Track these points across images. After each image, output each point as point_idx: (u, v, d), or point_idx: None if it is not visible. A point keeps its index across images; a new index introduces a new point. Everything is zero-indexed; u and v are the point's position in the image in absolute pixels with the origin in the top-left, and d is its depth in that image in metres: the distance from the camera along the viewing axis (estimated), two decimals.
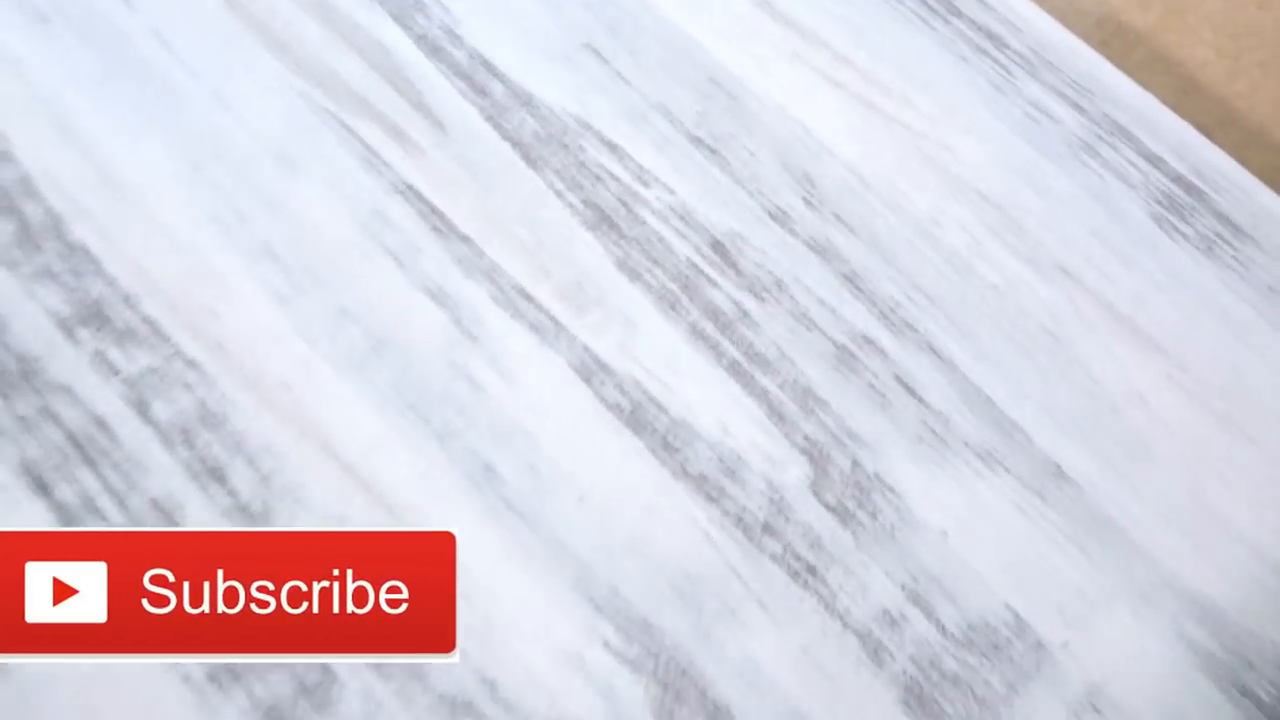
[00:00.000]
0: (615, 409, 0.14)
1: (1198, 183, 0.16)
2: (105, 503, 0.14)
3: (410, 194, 0.15)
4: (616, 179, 0.15)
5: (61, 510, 0.14)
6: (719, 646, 0.14)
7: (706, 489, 0.14)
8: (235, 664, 0.13)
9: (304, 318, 0.15)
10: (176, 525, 0.14)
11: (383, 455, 0.14)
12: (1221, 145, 0.18)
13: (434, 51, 0.16)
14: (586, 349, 0.15)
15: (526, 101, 0.16)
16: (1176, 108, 0.19)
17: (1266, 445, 0.14)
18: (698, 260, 0.15)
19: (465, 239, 0.15)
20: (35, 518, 0.14)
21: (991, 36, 0.17)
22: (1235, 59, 0.19)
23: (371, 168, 0.15)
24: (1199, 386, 0.15)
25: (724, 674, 0.13)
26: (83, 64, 0.16)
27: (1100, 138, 0.16)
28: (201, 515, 0.14)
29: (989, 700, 0.13)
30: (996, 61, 0.16)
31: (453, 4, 0.16)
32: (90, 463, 0.14)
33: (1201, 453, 0.14)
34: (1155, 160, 0.16)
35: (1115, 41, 0.19)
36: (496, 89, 0.16)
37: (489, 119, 0.16)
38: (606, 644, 0.14)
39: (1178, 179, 0.16)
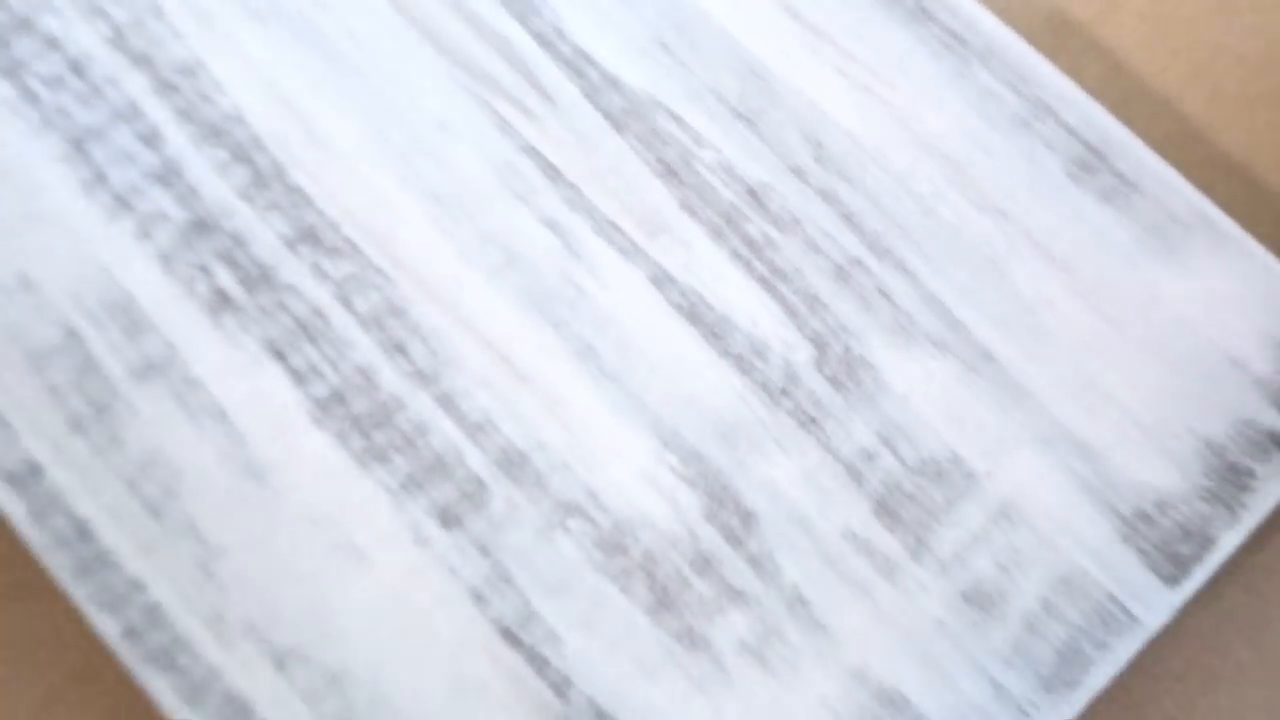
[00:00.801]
0: (678, 308, 0.20)
1: (1101, 148, 0.21)
2: (325, 369, 0.20)
3: (531, 152, 0.21)
4: (679, 142, 0.21)
5: (294, 374, 0.20)
6: (749, 471, 0.20)
7: (741, 365, 0.20)
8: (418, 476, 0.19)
9: (459, 240, 0.21)
10: (374, 386, 0.20)
11: (516, 338, 0.20)
12: (1131, 118, 0.24)
13: (545, 44, 0.22)
14: (658, 265, 0.21)
15: (614, 83, 0.22)
16: (1100, 89, 0.24)
17: (1136, 336, 0.20)
18: (737, 202, 0.21)
19: (571, 185, 0.21)
20: (275, 379, 0.20)
21: (957, 37, 0.22)
22: (1155, 45, 0.25)
23: (504, 132, 0.21)
24: (1093, 296, 0.21)
25: (752, 489, 0.20)
26: (294, 52, 0.22)
27: (1033, 114, 0.22)
28: (390, 378, 0.20)
29: (933, 510, 0.20)
30: (961, 56, 0.22)
31: (559, 8, 0.22)
32: (312, 340, 0.20)
33: (1091, 342, 0.20)
34: (1071, 130, 0.22)
35: (1059, 31, 0.25)
36: (592, 73, 0.22)
37: (587, 96, 0.22)
38: (671, 468, 0.20)
39: (1087, 145, 0.21)
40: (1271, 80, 0.25)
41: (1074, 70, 0.24)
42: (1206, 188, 0.24)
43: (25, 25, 0.22)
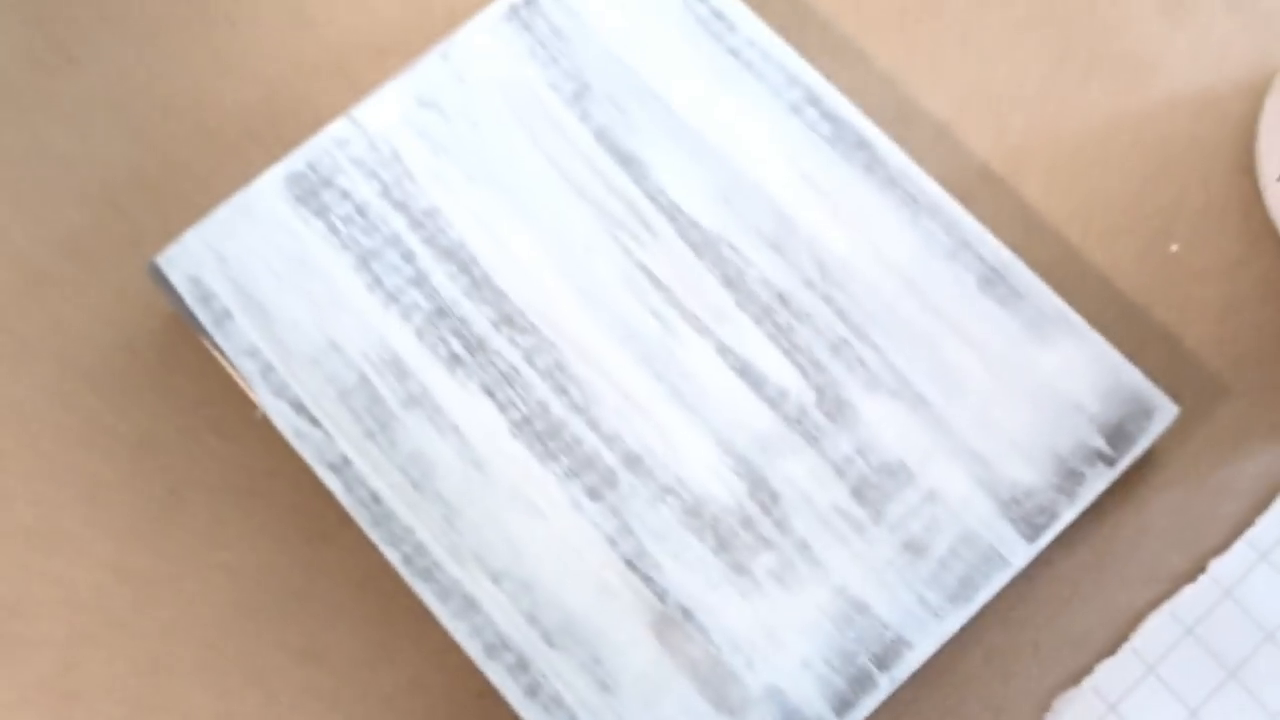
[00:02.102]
0: (733, 368, 0.33)
1: (1001, 269, 0.34)
2: (518, 402, 0.33)
3: (643, 268, 0.34)
4: (735, 263, 0.34)
5: (499, 405, 0.33)
6: (775, 468, 0.32)
7: (771, 403, 0.33)
8: None
9: (599, 322, 0.33)
10: (548, 413, 0.33)
11: (634, 384, 0.33)
12: (1029, 246, 0.37)
13: (651, 198, 0.35)
14: (721, 340, 0.33)
15: (694, 224, 0.34)
16: (1010, 223, 0.37)
17: (1016, 390, 0.33)
18: (770, 302, 0.34)
19: (668, 289, 0.34)
20: (488, 408, 0.33)
21: (912, 196, 0.35)
22: (1049, 192, 0.37)
23: (626, 254, 0.34)
24: (992, 365, 0.33)
25: (777, 478, 0.32)
26: (495, 201, 0.35)
27: (958, 248, 0.34)
28: (558, 408, 0.33)
29: (887, 494, 0.32)
30: (913, 210, 0.35)
31: (660, 176, 0.35)
32: (510, 385, 0.33)
33: (989, 394, 0.33)
34: (982, 259, 0.34)
35: (985, 181, 0.38)
36: (681, 218, 0.35)
37: (678, 233, 0.34)
38: (728, 466, 0.32)
39: (991, 268, 0.34)
40: (1128, 216, 0.37)
41: (993, 209, 0.37)
42: (1073, 295, 0.36)
43: (327, 182, 0.35)
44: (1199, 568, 0.34)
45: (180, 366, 0.36)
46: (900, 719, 0.33)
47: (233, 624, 0.34)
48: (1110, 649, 0.33)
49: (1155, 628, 0.33)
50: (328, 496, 0.35)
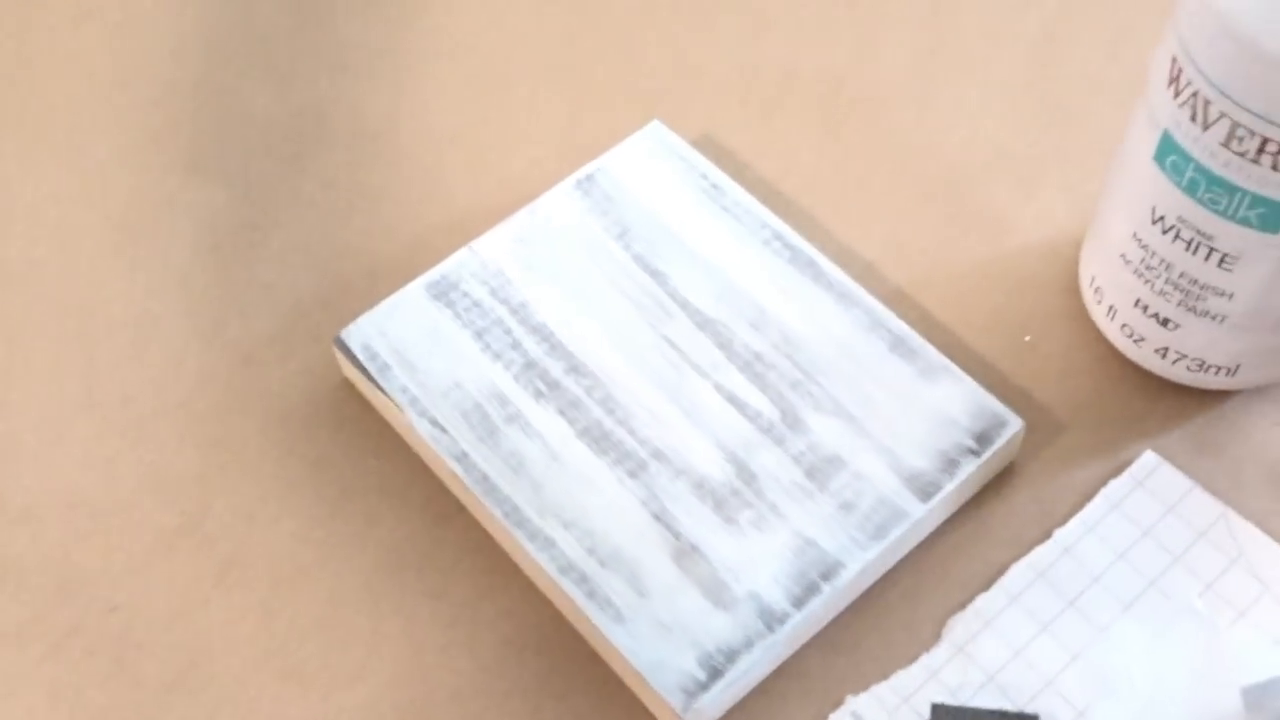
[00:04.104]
0: (726, 397, 0.50)
1: (902, 338, 0.51)
2: (580, 418, 0.49)
3: (665, 338, 0.51)
4: (725, 336, 0.51)
5: (569, 421, 0.49)
6: (753, 459, 0.48)
7: (748, 416, 0.49)
8: None
9: (637, 372, 0.50)
10: (602, 425, 0.49)
11: (659, 408, 0.49)
12: (918, 320, 0.54)
13: (671, 294, 0.52)
14: (718, 382, 0.50)
15: (699, 311, 0.52)
16: (906, 307, 0.54)
17: (912, 412, 0.49)
18: (749, 359, 0.50)
19: (683, 352, 0.51)
20: (561, 423, 0.49)
21: (841, 293, 0.52)
22: (927, 283, 0.55)
23: (654, 330, 0.51)
24: (895, 398, 0.50)
25: (754, 465, 0.48)
26: (567, 300, 0.52)
27: (872, 325, 0.51)
28: (609, 422, 0.49)
29: (827, 474, 0.48)
30: (846, 303, 0.52)
31: (677, 282, 0.53)
32: (576, 409, 0.49)
33: (893, 414, 0.49)
34: (890, 331, 0.51)
35: (894, 282, 0.55)
36: (690, 307, 0.52)
37: (688, 315, 0.52)
38: (722, 457, 0.49)
39: (895, 337, 0.51)
40: (995, 319, 0.54)
41: (903, 313, 0.54)
42: (946, 348, 0.53)
43: (454, 286, 0.53)
44: (1047, 535, 0.49)
45: (349, 416, 0.53)
46: (840, 636, 0.47)
47: (384, 576, 0.49)
48: (985, 588, 0.48)
49: (1016, 574, 0.48)
50: (448, 494, 0.51)
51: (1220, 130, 0.43)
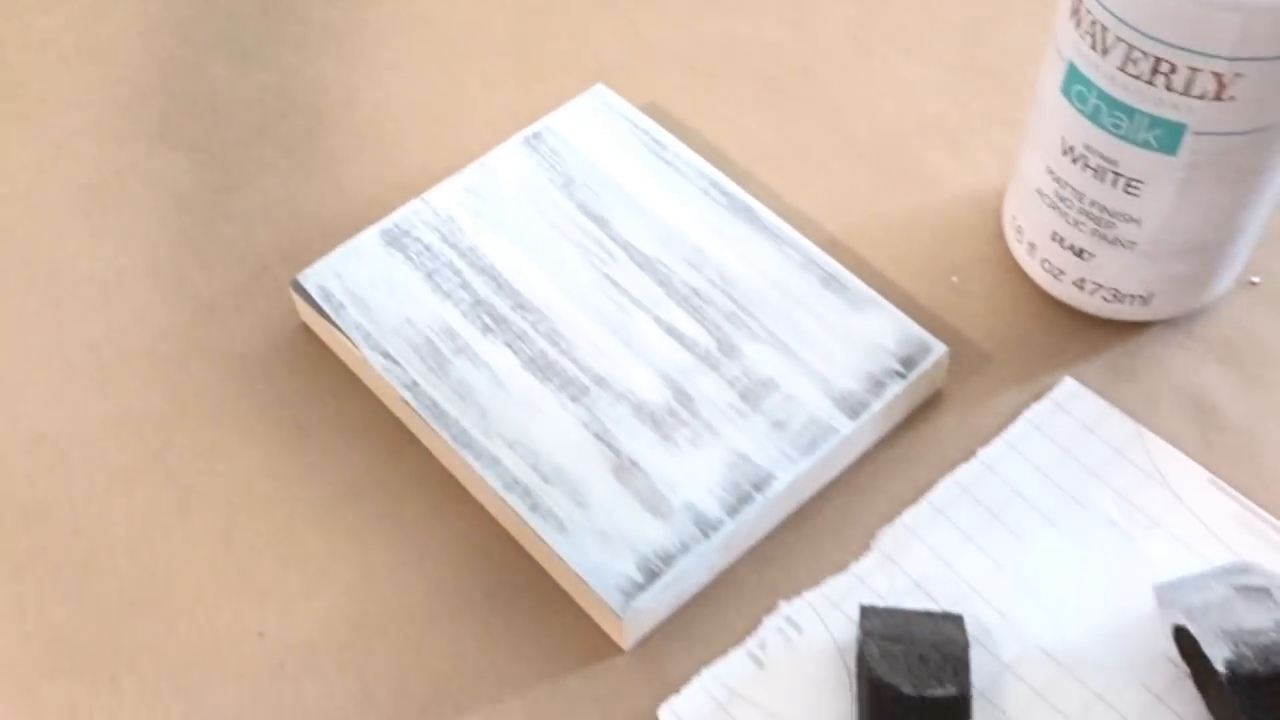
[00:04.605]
0: (664, 328, 0.52)
1: (833, 275, 0.54)
2: (526, 348, 0.52)
3: (607, 276, 0.54)
4: (664, 274, 0.54)
5: (515, 352, 0.52)
6: (690, 383, 0.51)
7: (685, 345, 0.52)
8: None
9: (579, 307, 0.53)
10: (546, 355, 0.51)
11: (601, 339, 0.52)
12: (849, 259, 0.57)
13: (613, 237, 0.55)
14: (656, 315, 0.53)
15: (641, 252, 0.54)
16: (842, 252, 0.57)
17: (841, 338, 0.52)
18: (687, 294, 0.53)
19: (624, 289, 0.53)
20: (508, 354, 0.52)
21: (774, 234, 0.55)
22: (860, 232, 0.58)
23: (594, 269, 0.54)
24: (827, 327, 0.52)
25: (691, 389, 0.51)
26: (516, 253, 0.55)
27: (805, 263, 0.54)
28: (553, 352, 0.52)
29: (760, 395, 0.50)
30: (775, 241, 0.55)
31: (617, 225, 0.55)
32: (523, 340, 0.52)
33: (824, 340, 0.52)
34: (822, 268, 0.54)
35: (831, 226, 0.58)
36: (632, 249, 0.55)
37: (629, 255, 0.54)
38: (661, 382, 0.51)
39: (826, 274, 0.54)
40: (926, 263, 0.57)
41: (831, 244, 0.57)
42: (878, 289, 0.56)
43: (406, 233, 0.55)
44: (971, 454, 0.52)
45: (306, 358, 0.55)
46: (775, 549, 0.49)
47: (340, 503, 0.51)
48: (914, 503, 0.50)
49: (943, 490, 0.51)
50: (401, 426, 0.53)
51: (1117, 55, 0.46)
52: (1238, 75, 0.44)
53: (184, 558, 0.50)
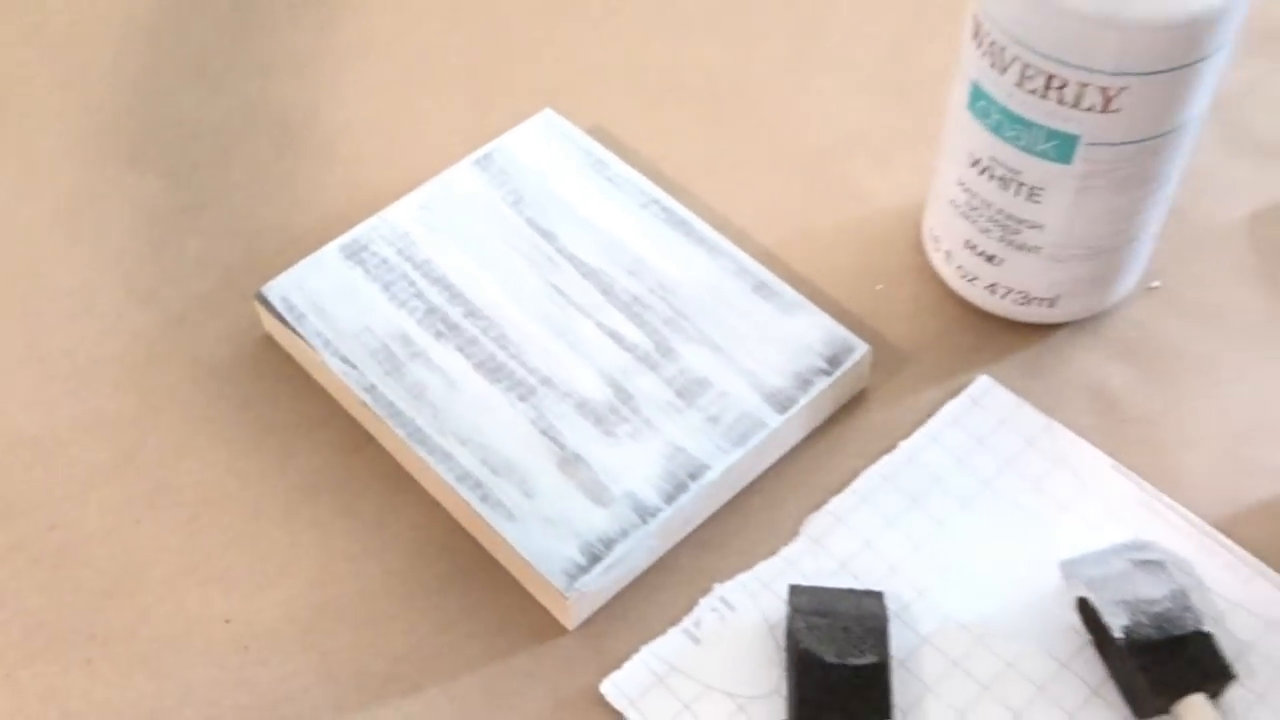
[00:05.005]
0: (608, 333, 0.56)
1: (766, 283, 0.57)
2: (477, 353, 0.55)
3: (553, 285, 0.57)
4: (608, 282, 0.57)
5: (467, 356, 0.55)
6: (631, 382, 0.54)
7: (624, 347, 0.55)
8: None
9: (528, 313, 0.56)
10: (495, 358, 0.55)
11: (548, 341, 0.55)
12: (780, 268, 0.60)
13: (559, 249, 0.59)
14: (599, 320, 0.56)
15: (585, 263, 0.58)
16: (773, 261, 0.61)
17: (770, 339, 0.56)
18: (628, 300, 0.57)
19: (567, 296, 0.57)
20: (459, 357, 0.55)
21: (708, 244, 0.59)
22: (789, 244, 0.62)
23: (541, 278, 0.58)
24: (757, 329, 0.56)
25: (631, 387, 0.54)
26: (473, 263, 0.58)
27: (738, 270, 0.58)
28: (501, 355, 0.55)
29: (695, 393, 0.54)
30: (711, 251, 0.59)
31: (563, 238, 0.59)
32: (474, 345, 0.55)
33: (755, 342, 0.56)
34: (755, 276, 0.58)
35: (768, 243, 0.62)
36: (578, 260, 0.58)
37: (574, 266, 0.58)
38: (602, 382, 0.54)
39: (759, 282, 0.58)
40: (852, 271, 0.61)
41: (764, 254, 0.61)
42: (807, 296, 0.59)
43: (365, 248, 0.59)
44: (894, 446, 0.55)
45: (270, 365, 0.58)
46: (710, 536, 0.53)
47: (301, 497, 0.54)
48: (840, 491, 0.54)
49: (867, 479, 0.54)
50: (359, 427, 0.56)
51: (1014, 72, 0.50)
52: (1122, 88, 0.48)
53: (154, 550, 0.53)
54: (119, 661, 0.50)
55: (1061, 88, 0.49)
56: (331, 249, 0.59)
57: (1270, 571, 0.51)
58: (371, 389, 0.54)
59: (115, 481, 0.55)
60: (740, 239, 0.62)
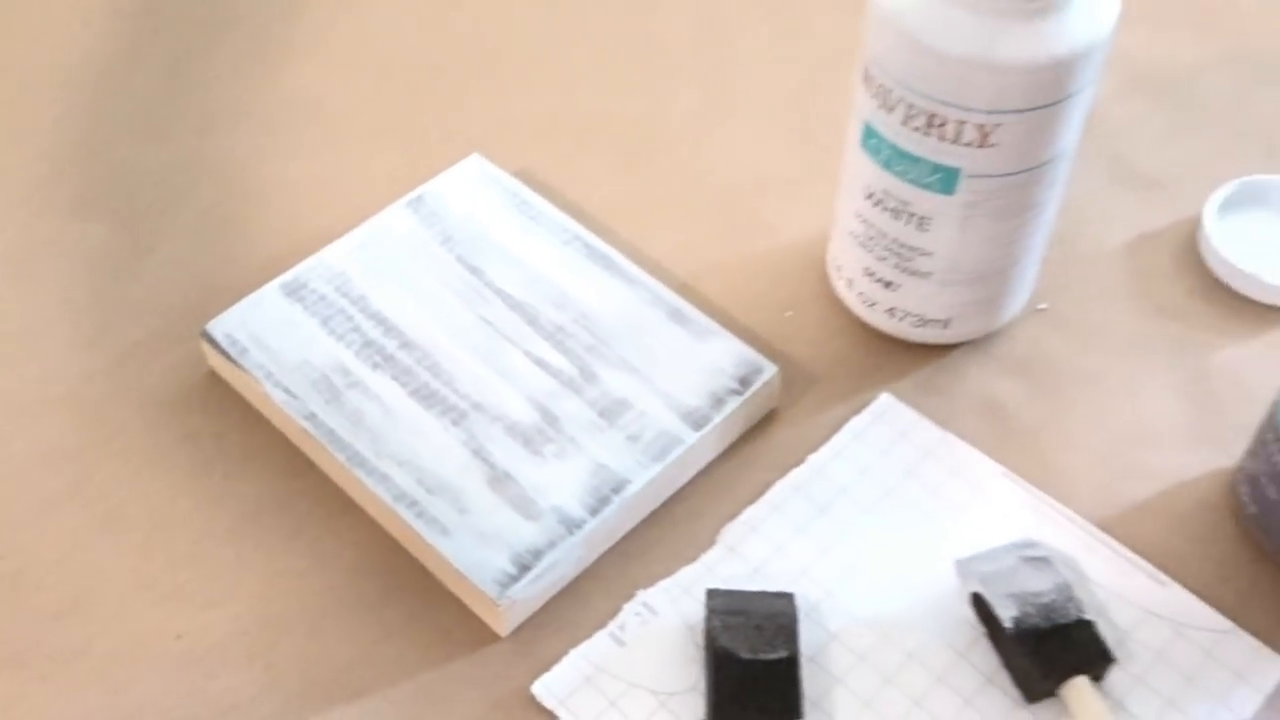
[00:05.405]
0: (534, 361, 0.60)
1: (678, 309, 0.62)
2: (411, 381, 0.59)
3: (483, 318, 0.61)
4: (533, 314, 0.61)
5: (403, 385, 0.59)
6: (557, 405, 0.58)
7: (549, 372, 0.59)
8: None
9: (459, 342, 0.60)
10: (430, 386, 0.59)
11: (478, 369, 0.59)
12: (693, 297, 0.65)
13: (487, 284, 0.62)
14: (525, 348, 0.60)
15: (511, 297, 0.62)
16: (689, 291, 0.65)
17: (685, 362, 0.60)
18: (551, 330, 0.61)
19: (497, 328, 0.61)
20: (396, 386, 0.59)
21: (627, 277, 0.63)
22: (702, 275, 0.66)
23: (471, 309, 0.61)
24: (674, 355, 0.60)
25: (557, 410, 0.58)
26: (403, 298, 0.62)
27: (653, 300, 0.62)
28: (435, 383, 0.59)
29: (616, 413, 0.58)
30: (631, 285, 0.63)
31: (492, 274, 0.63)
32: (409, 374, 0.59)
33: (671, 365, 0.60)
34: (669, 306, 0.62)
35: (681, 271, 0.66)
36: (505, 293, 0.62)
37: (501, 299, 0.62)
38: (530, 406, 0.58)
39: (672, 309, 0.62)
40: (763, 300, 0.65)
41: (679, 286, 0.65)
42: (722, 320, 0.64)
43: (304, 285, 0.62)
44: (803, 460, 0.60)
45: (214, 399, 0.62)
46: (633, 547, 0.57)
47: (247, 521, 0.58)
48: (753, 501, 0.58)
49: (778, 490, 0.58)
50: (301, 455, 0.60)
51: (900, 112, 0.55)
52: (997, 125, 0.53)
53: (107, 573, 0.56)
54: (74, 675, 0.53)
55: (942, 125, 0.54)
56: (272, 288, 0.62)
57: (1147, 565, 0.56)
58: (312, 417, 0.58)
59: (67, 509, 0.57)
60: (657, 272, 0.66)
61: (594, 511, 0.55)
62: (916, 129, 0.54)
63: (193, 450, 0.59)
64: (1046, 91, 0.52)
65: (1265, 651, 0.53)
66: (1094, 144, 0.73)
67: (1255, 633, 0.54)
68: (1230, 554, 0.56)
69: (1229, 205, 0.68)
